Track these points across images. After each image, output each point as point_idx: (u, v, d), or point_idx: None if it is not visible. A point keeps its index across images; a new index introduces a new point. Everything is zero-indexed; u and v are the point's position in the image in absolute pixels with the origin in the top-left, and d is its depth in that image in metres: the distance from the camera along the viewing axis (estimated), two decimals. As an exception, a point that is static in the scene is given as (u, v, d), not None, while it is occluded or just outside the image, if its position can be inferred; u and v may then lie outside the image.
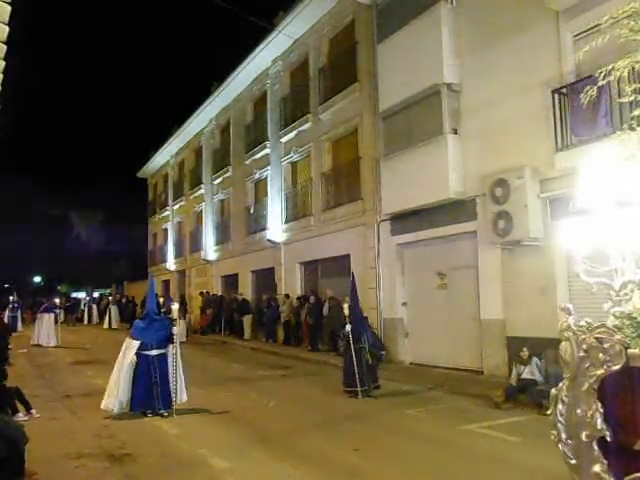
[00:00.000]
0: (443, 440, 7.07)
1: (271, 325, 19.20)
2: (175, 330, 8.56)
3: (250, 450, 6.71)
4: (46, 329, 19.47)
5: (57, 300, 21.13)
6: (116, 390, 8.14)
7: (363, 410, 8.84)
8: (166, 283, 32.97)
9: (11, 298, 26.34)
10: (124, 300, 32.68)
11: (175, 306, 9.12)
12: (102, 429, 7.64)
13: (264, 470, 6.03)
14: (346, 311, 9.97)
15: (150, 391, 8.20)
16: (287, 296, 18.47)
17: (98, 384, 11.40)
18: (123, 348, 8.42)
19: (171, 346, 8.51)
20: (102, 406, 8.13)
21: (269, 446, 6.84)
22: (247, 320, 20.48)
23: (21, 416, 8.05)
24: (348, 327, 9.81)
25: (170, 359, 8.43)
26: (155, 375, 8.26)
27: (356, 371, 9.52)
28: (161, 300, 16.34)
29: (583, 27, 9.73)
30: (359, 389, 9.51)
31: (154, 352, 8.40)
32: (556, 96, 9.72)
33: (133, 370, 8.23)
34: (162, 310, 11.90)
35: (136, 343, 8.35)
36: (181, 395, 8.49)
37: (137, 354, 8.28)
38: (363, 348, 9.79)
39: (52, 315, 19.79)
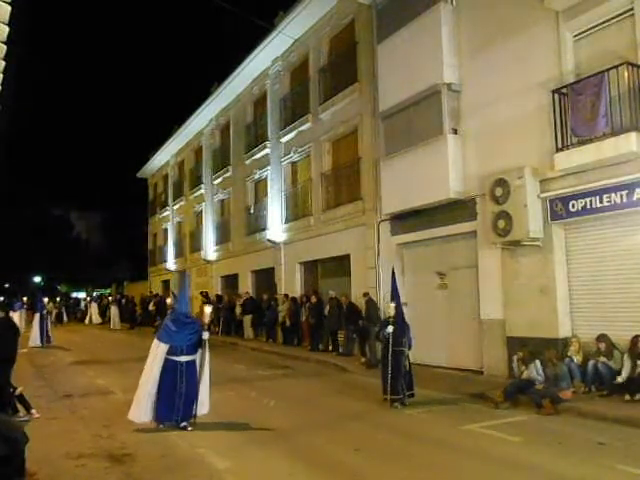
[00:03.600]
0: (443, 440, 7.07)
1: (271, 325, 19.20)
2: (206, 335, 7.70)
3: (250, 450, 6.71)
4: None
5: (45, 299, 21.09)
6: (145, 400, 7.46)
7: (363, 410, 8.84)
8: (166, 283, 32.98)
9: (25, 299, 26.64)
10: (124, 300, 32.66)
11: (208, 309, 8.26)
12: (102, 429, 7.63)
13: (264, 470, 6.03)
14: (391, 311, 9.08)
15: (172, 402, 7.44)
16: (286, 296, 18.47)
17: (99, 384, 11.45)
18: (152, 352, 7.62)
19: (200, 351, 7.72)
20: (130, 417, 7.48)
21: (269, 446, 6.84)
22: (247, 320, 20.46)
23: (21, 416, 8.06)
24: (390, 328, 8.94)
25: (198, 366, 7.68)
26: (181, 384, 7.47)
27: (389, 377, 8.81)
28: (168, 301, 15.94)
29: (583, 27, 9.76)
30: (389, 397, 8.81)
31: (183, 358, 7.55)
32: (556, 96, 9.73)
33: (160, 377, 7.50)
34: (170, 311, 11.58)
35: (164, 347, 7.53)
36: (201, 407, 7.71)
37: (164, 359, 7.52)
38: (402, 352, 9.04)
39: (38, 315, 19.89)
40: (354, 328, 14.70)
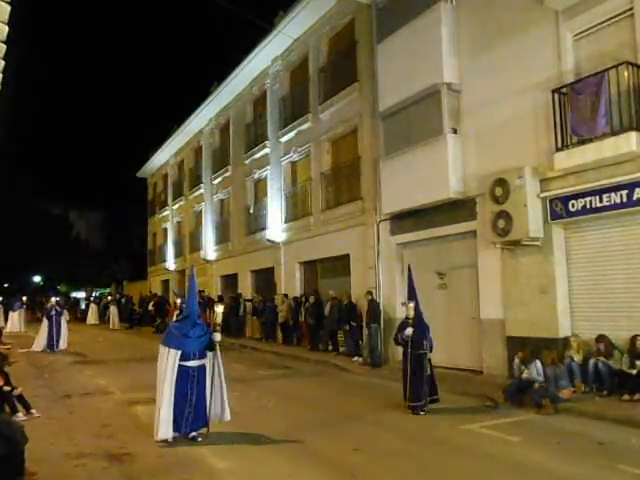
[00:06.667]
0: (443, 440, 7.07)
1: (271, 325, 19.20)
2: (218, 337, 7.15)
3: (250, 450, 6.71)
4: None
5: (53, 299, 19.82)
6: (160, 414, 6.82)
7: (363, 410, 8.84)
8: (165, 283, 32.97)
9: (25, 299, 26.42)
10: (123, 300, 32.64)
11: (220, 309, 7.74)
12: (102, 429, 7.62)
13: (264, 470, 6.03)
14: (410, 312, 8.63)
15: (182, 411, 6.91)
16: (286, 296, 18.47)
17: (98, 384, 11.44)
18: (164, 361, 6.96)
19: (210, 355, 7.18)
20: (158, 437, 6.79)
21: (269, 446, 6.84)
22: (254, 320, 20.55)
23: (21, 416, 8.05)
24: (409, 330, 8.48)
25: (209, 371, 7.14)
26: (192, 392, 6.96)
27: (408, 382, 8.41)
28: (179, 301, 15.68)
29: (583, 27, 9.76)
30: (409, 403, 8.38)
31: (194, 363, 7.01)
32: (556, 96, 9.72)
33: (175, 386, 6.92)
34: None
35: (175, 352, 6.92)
36: (223, 413, 7.25)
37: (178, 366, 6.96)
38: (423, 355, 8.59)
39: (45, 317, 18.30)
40: (348, 327, 14.76)
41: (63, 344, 17.98)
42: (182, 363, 6.95)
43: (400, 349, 9.14)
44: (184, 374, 6.95)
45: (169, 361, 6.91)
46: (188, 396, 6.94)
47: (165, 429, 6.78)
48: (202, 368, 7.11)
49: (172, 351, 6.94)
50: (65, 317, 19.09)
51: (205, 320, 8.01)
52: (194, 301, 7.56)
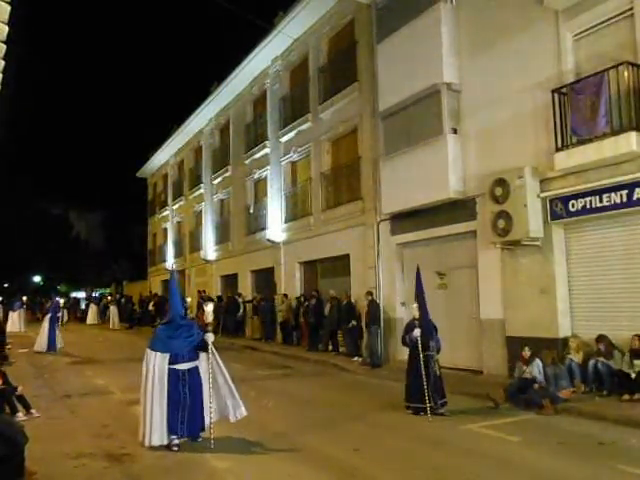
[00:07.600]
0: (443, 440, 7.07)
1: (270, 325, 19.21)
2: (211, 337, 6.94)
3: (250, 450, 6.71)
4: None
5: (61, 300, 19.31)
6: (152, 419, 6.60)
7: (363, 410, 8.84)
8: (165, 283, 32.94)
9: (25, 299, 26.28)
10: (123, 300, 32.63)
11: (210, 307, 7.55)
12: (102, 429, 7.63)
13: (264, 470, 6.03)
14: (415, 312, 8.50)
15: (176, 415, 6.69)
16: (286, 296, 18.48)
17: (98, 384, 11.46)
18: (149, 366, 6.76)
19: (204, 356, 6.99)
20: (151, 443, 6.58)
21: (269, 446, 6.83)
22: (256, 320, 20.59)
23: (21, 416, 8.05)
24: (417, 331, 8.32)
25: (203, 373, 6.95)
26: (184, 396, 6.74)
27: (424, 385, 8.15)
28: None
29: (583, 27, 9.76)
30: (427, 406, 8.09)
31: (184, 366, 6.81)
32: (556, 96, 9.72)
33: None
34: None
35: (163, 356, 6.75)
36: (236, 409, 7.07)
37: (167, 369, 6.76)
38: (431, 357, 8.47)
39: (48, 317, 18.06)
40: (347, 327, 14.76)
41: (59, 342, 17.79)
42: (172, 366, 6.77)
43: (402, 349, 9.07)
44: (174, 377, 6.75)
45: (156, 365, 6.72)
46: (180, 399, 6.72)
47: (159, 435, 6.60)
48: (194, 370, 6.91)
49: (159, 354, 6.76)
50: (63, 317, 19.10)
51: (202, 321, 7.94)
52: (176, 303, 7.30)
